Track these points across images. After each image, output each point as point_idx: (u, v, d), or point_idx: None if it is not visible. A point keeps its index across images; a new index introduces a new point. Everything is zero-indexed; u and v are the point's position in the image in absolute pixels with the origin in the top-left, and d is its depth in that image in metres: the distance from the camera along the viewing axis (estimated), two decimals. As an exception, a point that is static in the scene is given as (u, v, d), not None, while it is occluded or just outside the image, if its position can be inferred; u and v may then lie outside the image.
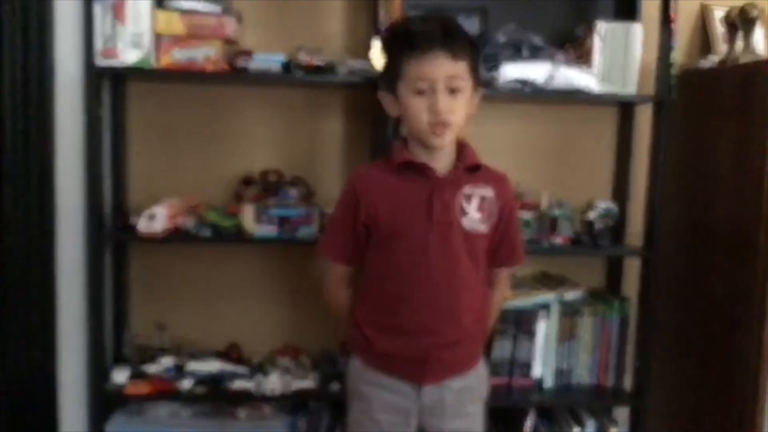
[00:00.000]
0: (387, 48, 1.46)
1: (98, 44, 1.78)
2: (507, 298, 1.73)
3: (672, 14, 1.92)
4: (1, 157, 1.75)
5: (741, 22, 2.00)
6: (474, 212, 1.43)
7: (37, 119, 1.78)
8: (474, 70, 1.41)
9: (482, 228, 1.44)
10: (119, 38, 1.78)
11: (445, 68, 1.36)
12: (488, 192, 1.45)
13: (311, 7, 2.04)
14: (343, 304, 1.56)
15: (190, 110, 2.04)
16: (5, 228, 1.76)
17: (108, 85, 1.93)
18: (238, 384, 1.90)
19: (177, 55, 1.81)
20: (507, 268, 1.60)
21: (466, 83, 1.39)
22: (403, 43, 1.38)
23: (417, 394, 1.44)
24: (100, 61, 1.78)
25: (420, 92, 1.37)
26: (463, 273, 1.43)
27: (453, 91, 1.37)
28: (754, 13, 1.96)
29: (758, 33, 2.05)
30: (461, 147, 1.47)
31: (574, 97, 1.94)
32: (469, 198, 1.44)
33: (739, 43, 2.02)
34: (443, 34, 1.36)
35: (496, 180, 1.48)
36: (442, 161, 1.44)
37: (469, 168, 1.45)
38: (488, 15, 2.05)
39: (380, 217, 1.43)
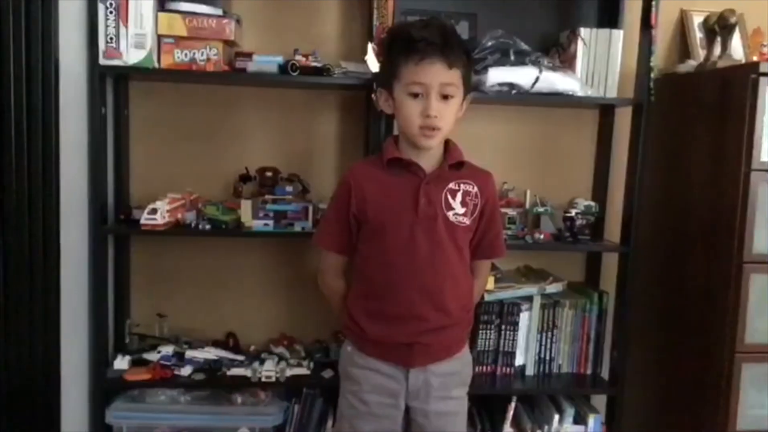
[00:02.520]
0: (387, 48, 1.51)
1: (102, 45, 1.81)
2: (485, 286, 1.80)
3: (652, 21, 1.98)
4: (6, 154, 1.77)
5: (719, 28, 2.04)
6: (458, 206, 1.51)
7: (41, 117, 1.79)
8: (466, 78, 1.48)
9: (466, 221, 1.52)
10: (122, 39, 1.82)
11: (440, 75, 1.42)
12: (472, 187, 1.53)
13: (308, 11, 2.09)
14: (338, 293, 1.63)
15: (190, 109, 2.08)
16: (11, 222, 1.79)
17: (111, 84, 1.96)
18: (236, 371, 1.96)
19: (178, 56, 1.86)
20: (488, 260, 1.68)
21: (458, 90, 1.46)
22: (404, 45, 1.44)
23: (405, 377, 1.52)
24: (104, 61, 1.82)
25: (414, 95, 1.44)
26: (448, 263, 1.51)
27: (445, 97, 1.44)
28: (733, 19, 2.01)
29: (736, 39, 2.11)
30: (447, 145, 1.54)
31: (557, 100, 2.00)
32: (454, 193, 1.51)
33: (717, 49, 2.06)
34: (442, 43, 1.41)
35: (480, 176, 1.56)
36: (429, 158, 1.52)
37: (454, 165, 1.53)
38: (477, 20, 2.10)
39: (369, 209, 1.50)
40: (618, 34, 2.06)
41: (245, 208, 1.93)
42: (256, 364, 1.98)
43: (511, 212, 2.06)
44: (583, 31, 2.04)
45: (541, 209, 2.09)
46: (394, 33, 1.54)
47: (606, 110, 2.20)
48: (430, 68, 1.42)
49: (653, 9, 1.97)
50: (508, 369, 2.09)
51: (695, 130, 2.02)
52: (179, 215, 1.93)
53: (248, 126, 2.12)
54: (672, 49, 2.28)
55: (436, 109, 1.43)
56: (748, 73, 1.80)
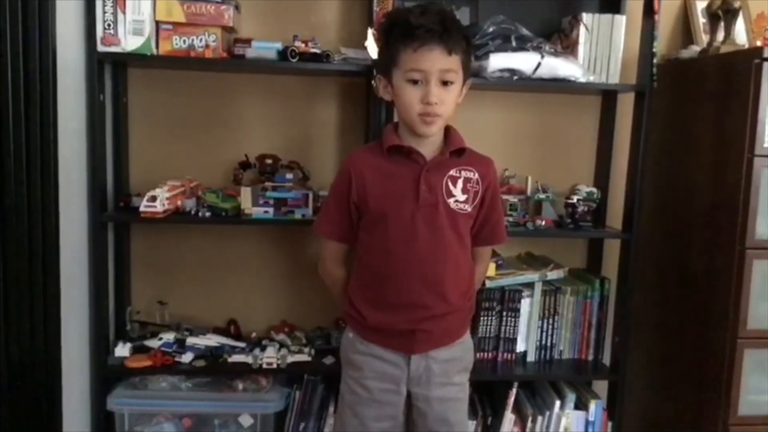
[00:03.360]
0: (385, 35, 1.49)
1: (99, 31, 1.80)
2: (486, 272, 1.80)
3: (655, 6, 1.95)
4: (4, 141, 1.76)
5: (723, 13, 2.03)
6: (459, 193, 1.50)
7: (39, 104, 1.78)
8: (466, 64, 1.47)
9: (467, 208, 1.51)
10: (120, 25, 1.81)
11: (439, 62, 1.41)
12: (473, 174, 1.52)
13: (308, -3, 2.08)
14: (338, 280, 1.63)
15: (189, 96, 2.07)
16: (10, 210, 1.79)
17: (109, 70, 1.96)
18: (237, 358, 1.96)
19: (177, 42, 1.85)
20: (489, 246, 1.68)
21: (457, 76, 1.44)
22: (402, 32, 1.42)
23: (406, 363, 1.52)
24: (102, 48, 1.81)
25: (413, 82, 1.43)
26: (449, 250, 1.50)
27: (445, 83, 1.43)
28: (736, 4, 2.00)
29: (739, 24, 2.09)
30: (448, 131, 1.53)
31: (559, 86, 1.98)
32: (454, 180, 1.50)
33: (721, 34, 2.06)
34: (441, 29, 1.40)
35: (481, 163, 1.55)
36: (429, 145, 1.51)
37: (455, 151, 1.52)
38: (478, 6, 2.08)
39: (370, 197, 1.49)
40: (620, 20, 2.04)
41: (245, 195, 1.93)
42: (257, 351, 1.98)
43: (512, 199, 2.05)
44: (586, 17, 2.02)
45: (542, 196, 2.09)
46: (392, 19, 1.52)
47: (608, 96, 2.19)
48: (429, 55, 1.40)
49: (656, -7, 1.96)
50: (510, 355, 2.10)
51: (698, 116, 2.01)
52: (179, 202, 1.93)
53: (247, 113, 2.11)
54: (675, 34, 2.27)
55: (436, 95, 1.42)
56: (751, 58, 1.78)
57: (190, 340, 1.98)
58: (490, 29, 1.93)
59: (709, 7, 2.09)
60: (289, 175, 1.97)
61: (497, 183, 1.60)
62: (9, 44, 1.74)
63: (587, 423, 2.08)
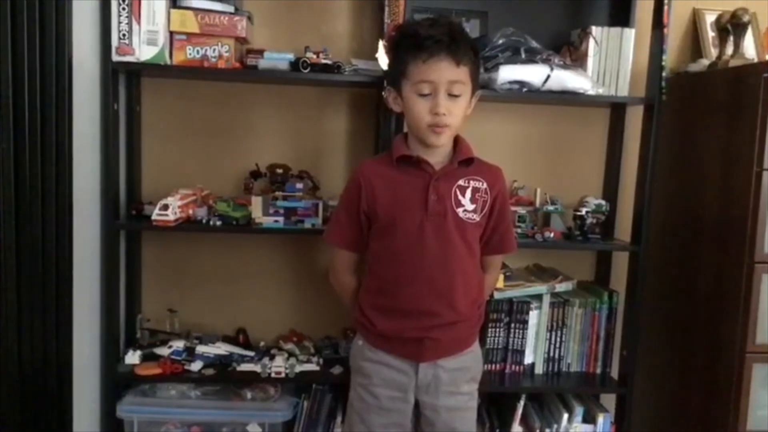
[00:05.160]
0: (395, 47, 1.51)
1: (114, 41, 1.82)
2: (497, 281, 1.79)
3: (665, 19, 1.96)
4: (20, 149, 1.78)
5: (732, 27, 2.04)
6: (468, 203, 1.51)
7: (54, 112, 1.80)
8: (474, 75, 1.48)
9: (476, 217, 1.52)
10: (135, 35, 1.84)
11: (448, 73, 1.42)
12: (482, 184, 1.53)
13: (319, 9, 2.09)
14: (348, 289, 1.64)
15: (202, 105, 2.09)
16: (25, 217, 1.81)
17: (123, 80, 1.97)
18: (245, 366, 1.97)
19: (190, 52, 1.87)
20: (499, 255, 1.68)
21: (466, 87, 1.46)
22: (411, 44, 1.44)
23: (414, 371, 1.52)
24: (116, 57, 1.83)
25: (422, 93, 1.44)
26: (458, 259, 1.51)
27: (454, 95, 1.45)
28: (746, 18, 2.01)
29: (748, 38, 2.10)
30: (457, 141, 1.55)
31: (568, 98, 1.99)
32: (463, 189, 1.52)
33: (730, 48, 2.06)
34: (450, 40, 1.42)
35: (490, 172, 1.56)
36: (438, 155, 1.52)
37: (463, 161, 1.53)
38: (488, 18, 2.10)
39: (379, 206, 1.51)
40: (630, 33, 2.05)
41: (256, 204, 1.94)
42: (265, 360, 1.98)
43: (521, 211, 2.05)
44: (595, 30, 2.03)
45: (551, 208, 2.09)
46: (401, 32, 1.54)
47: (617, 109, 2.20)
48: (438, 66, 1.42)
49: (665, 8, 1.96)
50: (518, 367, 2.09)
51: (707, 129, 2.02)
52: (190, 211, 1.94)
53: (259, 123, 2.13)
54: (684, 47, 2.28)
55: (445, 106, 1.44)
56: (760, 72, 1.79)
57: (200, 349, 1.98)
58: (500, 41, 1.94)
59: (718, 20, 2.10)
60: (300, 185, 1.97)
61: (506, 192, 1.61)
62: (26, 53, 1.77)
63: (595, 436, 2.07)
